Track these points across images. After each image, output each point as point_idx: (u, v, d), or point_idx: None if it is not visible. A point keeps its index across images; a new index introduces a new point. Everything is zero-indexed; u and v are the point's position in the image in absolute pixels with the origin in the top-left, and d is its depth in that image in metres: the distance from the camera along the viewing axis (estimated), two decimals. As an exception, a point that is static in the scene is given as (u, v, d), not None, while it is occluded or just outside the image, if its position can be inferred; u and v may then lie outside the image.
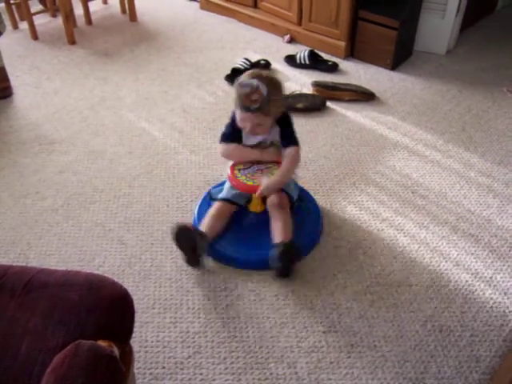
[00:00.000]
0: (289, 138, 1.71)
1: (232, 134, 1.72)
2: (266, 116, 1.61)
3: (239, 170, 1.73)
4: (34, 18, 3.17)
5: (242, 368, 1.42)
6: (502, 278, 1.68)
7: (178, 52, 3.09)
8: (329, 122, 2.47)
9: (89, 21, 3.40)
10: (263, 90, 1.54)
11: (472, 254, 1.77)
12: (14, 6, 3.28)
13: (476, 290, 1.64)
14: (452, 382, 1.38)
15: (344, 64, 2.94)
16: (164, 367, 1.42)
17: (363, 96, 2.60)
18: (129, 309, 1.08)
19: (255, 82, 1.55)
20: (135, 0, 3.42)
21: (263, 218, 1.74)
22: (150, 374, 1.40)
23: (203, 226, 1.70)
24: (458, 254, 1.76)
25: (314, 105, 2.52)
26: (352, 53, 3.00)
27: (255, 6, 3.39)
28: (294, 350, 1.46)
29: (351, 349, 1.46)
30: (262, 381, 1.39)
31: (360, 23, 2.85)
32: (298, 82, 2.78)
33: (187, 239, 1.62)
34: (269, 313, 1.56)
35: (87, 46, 3.15)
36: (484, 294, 1.63)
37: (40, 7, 3.42)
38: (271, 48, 3.13)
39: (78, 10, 3.40)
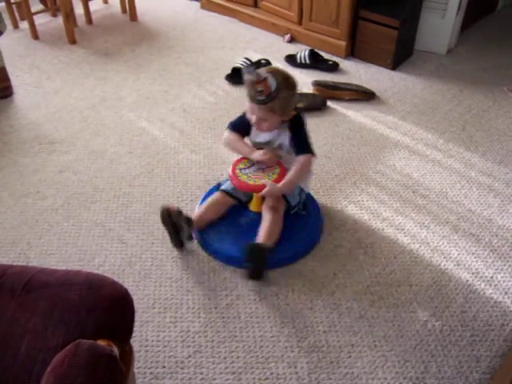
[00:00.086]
0: (301, 145, 1.66)
1: (239, 125, 1.73)
2: (271, 112, 1.57)
3: (240, 169, 1.72)
4: (35, 17, 3.17)
5: (243, 367, 1.42)
6: (502, 277, 1.68)
7: (178, 52, 3.09)
8: (329, 121, 2.46)
9: (89, 20, 3.40)
10: (271, 83, 1.52)
11: (473, 253, 1.77)
12: (14, 6, 3.27)
13: (477, 289, 1.64)
14: (452, 381, 1.38)
15: (344, 63, 2.94)
16: (164, 366, 1.42)
17: (364, 95, 2.60)
18: (129, 308, 1.08)
19: (264, 73, 1.53)
20: (136, -1, 3.43)
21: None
22: (151, 373, 1.40)
23: (195, 213, 1.73)
24: (458, 254, 1.76)
25: (314, 104, 2.52)
26: (352, 52, 3.00)
27: (256, 5, 3.38)
28: (295, 350, 1.46)
29: (351, 349, 1.46)
30: (262, 380, 1.39)
31: (360, 23, 2.85)
32: (299, 81, 2.74)
33: (172, 222, 1.65)
34: (269, 312, 1.56)
35: (88, 46, 3.15)
36: (485, 293, 1.63)
37: (40, 7, 3.42)
38: (272, 47, 3.13)
39: (79, 10, 3.40)
